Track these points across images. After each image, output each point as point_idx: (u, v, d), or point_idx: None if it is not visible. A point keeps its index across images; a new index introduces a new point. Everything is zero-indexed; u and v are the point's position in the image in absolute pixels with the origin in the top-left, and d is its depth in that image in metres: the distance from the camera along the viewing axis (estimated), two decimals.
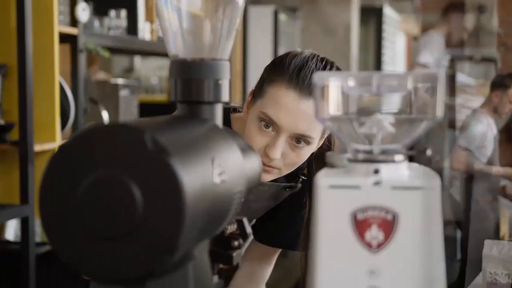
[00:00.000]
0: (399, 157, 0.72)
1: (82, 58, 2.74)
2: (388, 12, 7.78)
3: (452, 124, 4.66)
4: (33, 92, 2.48)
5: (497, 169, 4.33)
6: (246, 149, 0.88)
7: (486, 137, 4.27)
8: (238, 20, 0.85)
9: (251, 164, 0.86)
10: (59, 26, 2.63)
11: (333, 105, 0.73)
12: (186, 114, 0.82)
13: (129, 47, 3.30)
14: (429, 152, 0.74)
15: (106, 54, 2.81)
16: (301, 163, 1.32)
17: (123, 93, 3.22)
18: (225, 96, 0.84)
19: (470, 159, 4.27)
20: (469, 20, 4.53)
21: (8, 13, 2.51)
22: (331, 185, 0.69)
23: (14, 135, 2.48)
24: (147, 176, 0.62)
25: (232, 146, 0.79)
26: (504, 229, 5.00)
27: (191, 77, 0.82)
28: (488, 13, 4.76)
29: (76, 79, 2.74)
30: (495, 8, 4.65)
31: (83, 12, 2.71)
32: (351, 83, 0.71)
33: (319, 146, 1.35)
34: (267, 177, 1.32)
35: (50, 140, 2.57)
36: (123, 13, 3.12)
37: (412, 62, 4.40)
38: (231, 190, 0.75)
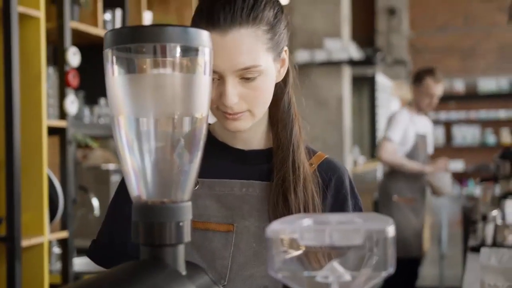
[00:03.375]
0: None
1: (71, 150, 2.77)
2: (381, 79, 7.89)
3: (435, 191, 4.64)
4: (22, 186, 2.49)
5: (416, 165, 4.33)
6: (209, 286, 0.88)
7: (407, 133, 4.34)
8: (198, 162, 0.87)
9: None
10: (48, 119, 2.66)
11: (287, 255, 0.73)
12: (147, 259, 0.82)
13: None
14: None
15: (94, 145, 2.84)
16: (268, 95, 1.21)
17: (115, 178, 3.24)
18: (187, 237, 0.84)
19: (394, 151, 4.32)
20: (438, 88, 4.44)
21: None
22: None
23: (1, 230, 2.48)
24: None
25: None
26: (426, 235, 4.86)
27: (153, 220, 0.82)
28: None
29: (65, 170, 2.76)
30: None
31: (72, 104, 2.75)
32: (305, 235, 0.72)
33: (282, 71, 1.26)
34: (242, 124, 1.22)
35: (38, 234, 2.57)
36: None
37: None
38: None
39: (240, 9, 1.16)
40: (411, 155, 4.35)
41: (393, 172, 4.37)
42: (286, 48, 1.26)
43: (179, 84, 0.83)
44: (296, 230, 0.73)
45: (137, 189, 0.85)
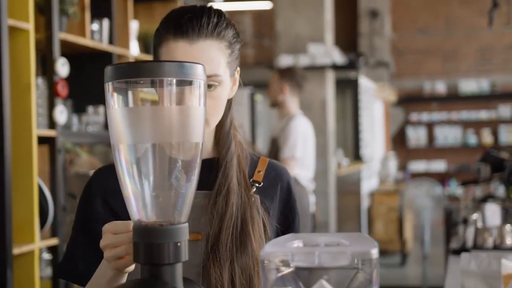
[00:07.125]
0: None
1: (60, 158, 2.81)
2: (364, 82, 7.97)
3: None
4: (12, 194, 2.53)
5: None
6: None
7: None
8: (194, 185, 0.93)
9: None
10: (38, 129, 2.70)
11: (279, 274, 0.80)
12: (147, 278, 0.88)
13: (106, 141, 3.38)
14: None
15: (83, 154, 2.89)
16: (223, 107, 1.28)
17: None
18: (184, 256, 0.90)
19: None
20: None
21: None
22: None
23: None
24: None
25: None
26: (408, 235, 4.45)
27: (152, 241, 0.88)
28: None
29: (55, 178, 2.80)
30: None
31: (61, 114, 2.79)
32: (296, 257, 0.79)
33: (234, 89, 1.33)
34: None
35: (28, 241, 2.61)
36: (101, 109, 3.22)
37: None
38: None
39: (206, 24, 1.25)
40: None
41: None
42: (238, 69, 1.34)
43: (175, 115, 0.89)
44: (288, 252, 0.79)
45: (137, 212, 0.91)
